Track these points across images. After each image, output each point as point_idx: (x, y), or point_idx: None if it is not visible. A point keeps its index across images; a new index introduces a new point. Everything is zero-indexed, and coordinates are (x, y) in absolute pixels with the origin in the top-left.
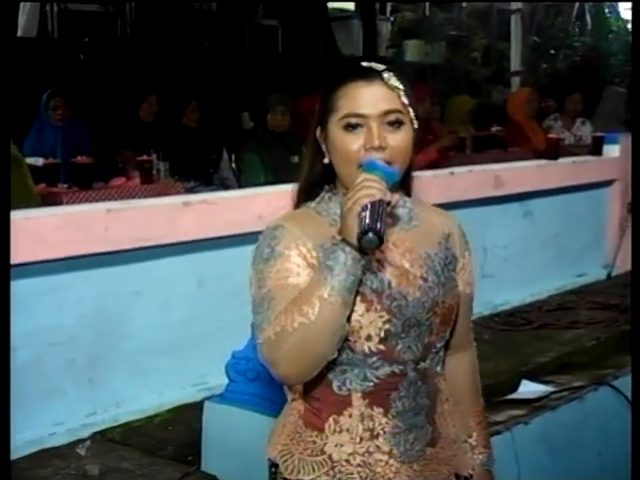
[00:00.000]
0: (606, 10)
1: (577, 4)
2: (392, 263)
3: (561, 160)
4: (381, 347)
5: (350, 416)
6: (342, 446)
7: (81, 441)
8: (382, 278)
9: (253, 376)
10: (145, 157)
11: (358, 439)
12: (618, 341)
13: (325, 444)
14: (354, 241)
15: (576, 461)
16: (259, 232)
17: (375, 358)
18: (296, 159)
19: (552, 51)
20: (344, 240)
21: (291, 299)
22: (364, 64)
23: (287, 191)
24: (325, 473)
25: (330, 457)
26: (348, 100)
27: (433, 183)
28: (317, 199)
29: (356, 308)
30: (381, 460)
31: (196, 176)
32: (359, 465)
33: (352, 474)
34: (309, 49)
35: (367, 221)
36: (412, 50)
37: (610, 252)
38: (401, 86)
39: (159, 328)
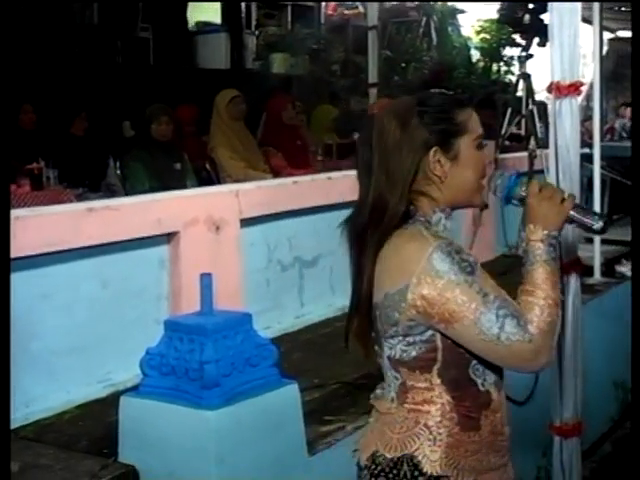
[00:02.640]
0: (449, 28)
1: (423, 22)
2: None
3: None
4: None
5: (494, 411)
6: (495, 434)
7: None
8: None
9: (167, 370)
10: (35, 165)
11: (500, 425)
12: None
13: (482, 439)
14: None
15: None
16: (158, 236)
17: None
18: (178, 166)
19: (403, 64)
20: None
21: (541, 292)
22: (453, 92)
23: (183, 197)
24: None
25: (486, 453)
26: (474, 122)
27: (312, 187)
28: (432, 221)
29: None
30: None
31: (84, 183)
32: (498, 450)
33: (504, 455)
34: (175, 61)
35: (593, 211)
36: (278, 63)
37: (465, 247)
38: None
39: (65, 329)
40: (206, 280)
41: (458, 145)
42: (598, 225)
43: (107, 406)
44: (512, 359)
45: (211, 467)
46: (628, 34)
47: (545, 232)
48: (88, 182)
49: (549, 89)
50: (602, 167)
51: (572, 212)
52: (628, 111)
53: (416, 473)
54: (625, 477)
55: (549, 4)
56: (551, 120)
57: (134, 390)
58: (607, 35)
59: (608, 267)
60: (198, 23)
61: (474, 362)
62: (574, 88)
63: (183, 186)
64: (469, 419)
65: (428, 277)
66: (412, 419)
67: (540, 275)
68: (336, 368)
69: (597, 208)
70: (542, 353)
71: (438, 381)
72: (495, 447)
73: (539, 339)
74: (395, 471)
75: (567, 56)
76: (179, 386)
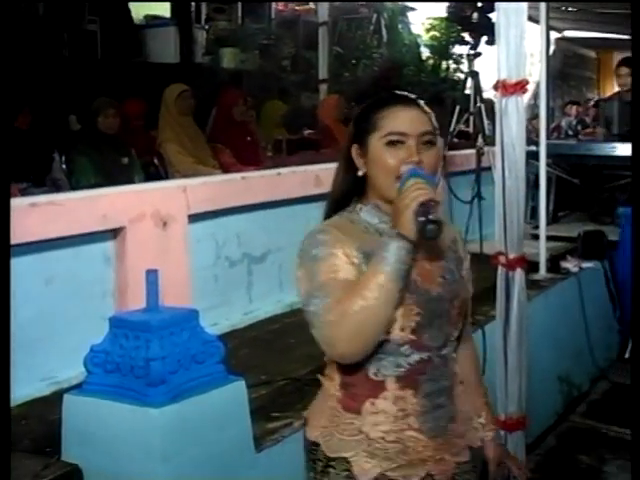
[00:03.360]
0: (399, 26)
1: (374, 19)
2: (416, 264)
3: None
4: (412, 337)
5: (385, 399)
6: (378, 425)
7: None
8: (410, 277)
9: (112, 368)
10: None
11: (392, 418)
12: None
13: (362, 425)
14: (410, 234)
15: None
16: (104, 231)
17: (407, 346)
18: (125, 160)
19: (353, 61)
20: (399, 234)
21: (350, 287)
22: (398, 92)
23: (130, 192)
24: (363, 450)
25: (367, 436)
26: (390, 120)
27: (261, 183)
28: (349, 209)
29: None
30: (412, 436)
31: (28, 177)
32: (394, 441)
33: (387, 449)
34: (122, 55)
35: (428, 215)
36: (228, 57)
37: None
38: (430, 112)
39: None
40: (152, 276)
41: (369, 142)
42: (430, 227)
43: (50, 404)
44: (320, 342)
45: (157, 465)
46: (575, 34)
47: (396, 231)
48: (32, 177)
49: (495, 87)
50: (548, 165)
51: (422, 208)
52: (574, 109)
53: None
54: (569, 470)
55: (496, 3)
56: (497, 118)
57: (78, 388)
58: (554, 35)
59: (553, 263)
60: (147, 17)
61: None
62: (520, 87)
63: (130, 181)
64: (352, 401)
65: (297, 257)
66: (321, 393)
67: (373, 272)
68: (284, 364)
69: (543, 205)
70: (337, 344)
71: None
72: (395, 443)
73: (335, 328)
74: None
75: (513, 55)
76: (124, 384)
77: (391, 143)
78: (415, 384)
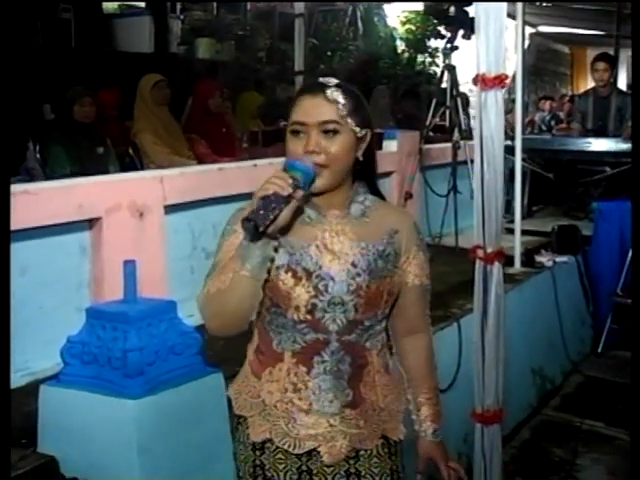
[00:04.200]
0: (375, 18)
1: (350, 11)
2: (328, 248)
3: None
4: (308, 317)
5: (280, 370)
6: (272, 394)
7: None
8: (316, 260)
9: (89, 359)
10: None
11: (283, 390)
12: None
13: (261, 390)
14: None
15: None
16: (80, 221)
17: (303, 325)
18: (101, 150)
19: (329, 53)
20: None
21: (218, 270)
22: (319, 80)
23: (106, 182)
24: (258, 413)
25: (263, 401)
26: (296, 110)
27: (238, 174)
28: None
29: (286, 282)
30: (301, 410)
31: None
32: (283, 412)
33: (277, 418)
34: (97, 44)
35: (254, 212)
36: (203, 48)
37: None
38: (342, 100)
39: None
40: (129, 267)
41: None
42: (245, 224)
43: (25, 395)
44: None
45: (133, 457)
46: (549, 29)
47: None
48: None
49: (474, 81)
50: (523, 159)
51: (258, 203)
52: (547, 104)
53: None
54: (543, 463)
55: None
56: (476, 112)
57: (54, 379)
58: (528, 30)
59: (528, 257)
60: (122, 6)
61: (268, 318)
62: (499, 81)
63: (106, 171)
64: (258, 366)
65: None
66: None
67: (233, 258)
68: None
69: (518, 199)
70: (205, 321)
71: (256, 327)
72: (284, 413)
73: (202, 307)
74: None
75: (493, 49)
76: (101, 375)
77: (294, 132)
78: (309, 363)
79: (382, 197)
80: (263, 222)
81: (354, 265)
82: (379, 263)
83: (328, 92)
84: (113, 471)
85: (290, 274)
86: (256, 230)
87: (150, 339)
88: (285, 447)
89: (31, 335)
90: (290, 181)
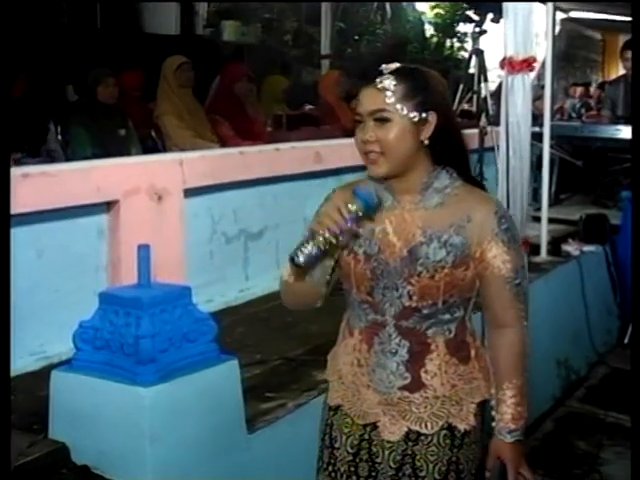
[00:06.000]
0: (404, 2)
1: None
2: (392, 234)
3: None
4: (369, 298)
5: (350, 344)
6: (345, 365)
7: None
8: (378, 245)
9: (101, 344)
10: None
11: (351, 363)
12: None
13: (340, 359)
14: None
15: None
16: (97, 204)
17: (366, 305)
18: (123, 132)
19: (356, 37)
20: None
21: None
22: (381, 66)
23: (124, 164)
24: (336, 379)
25: (340, 370)
26: (357, 101)
27: (259, 158)
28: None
29: (349, 263)
30: (363, 385)
31: (23, 148)
32: (351, 383)
33: (347, 388)
34: (122, 25)
35: (299, 246)
36: (229, 30)
37: None
38: (392, 87)
39: None
40: (144, 251)
41: None
42: (296, 258)
43: (40, 380)
44: None
45: (145, 445)
46: (580, 15)
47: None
48: (27, 147)
49: (502, 65)
50: (551, 146)
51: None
52: (578, 91)
53: None
54: (566, 456)
55: None
56: (503, 96)
57: (67, 364)
58: (560, 15)
59: (554, 246)
60: None
61: (346, 295)
62: (527, 64)
63: (127, 153)
64: (342, 336)
65: None
66: None
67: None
68: (279, 343)
69: (546, 187)
70: (282, 296)
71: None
72: (352, 384)
73: (279, 283)
74: None
75: (521, 31)
76: (113, 361)
77: (357, 122)
78: (370, 341)
79: (474, 182)
80: (302, 260)
81: (410, 253)
82: (438, 253)
83: (378, 80)
84: (124, 459)
85: (352, 256)
86: (296, 268)
87: (163, 325)
88: (351, 415)
89: (47, 319)
90: (347, 216)
